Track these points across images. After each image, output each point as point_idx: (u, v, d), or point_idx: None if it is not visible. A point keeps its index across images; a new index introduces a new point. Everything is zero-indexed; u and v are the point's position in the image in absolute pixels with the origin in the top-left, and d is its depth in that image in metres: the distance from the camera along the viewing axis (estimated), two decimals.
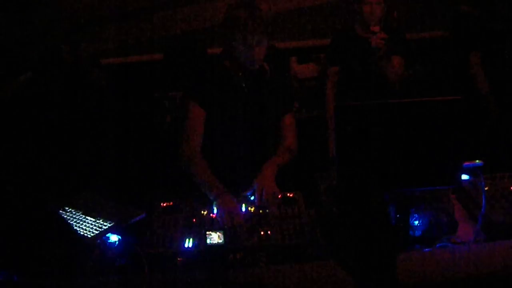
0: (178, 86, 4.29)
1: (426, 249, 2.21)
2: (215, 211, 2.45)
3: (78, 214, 2.58)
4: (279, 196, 2.55)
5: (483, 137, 3.67)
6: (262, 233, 2.27)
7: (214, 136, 2.86)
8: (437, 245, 2.24)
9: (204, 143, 2.84)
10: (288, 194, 2.59)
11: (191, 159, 2.78)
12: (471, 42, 3.98)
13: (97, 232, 2.41)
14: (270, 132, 2.92)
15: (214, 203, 2.51)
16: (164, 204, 2.56)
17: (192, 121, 2.83)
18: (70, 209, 2.63)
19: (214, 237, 1.96)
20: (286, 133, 2.93)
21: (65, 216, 2.57)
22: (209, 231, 1.98)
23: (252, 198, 2.59)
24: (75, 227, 2.47)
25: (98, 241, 2.35)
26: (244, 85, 2.81)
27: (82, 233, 2.42)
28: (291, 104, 2.98)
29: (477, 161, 2.35)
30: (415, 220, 2.32)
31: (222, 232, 1.96)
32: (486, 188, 2.40)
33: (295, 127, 2.98)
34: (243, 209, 2.47)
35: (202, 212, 2.46)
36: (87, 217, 2.54)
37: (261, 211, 2.44)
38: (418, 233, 2.30)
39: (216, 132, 2.86)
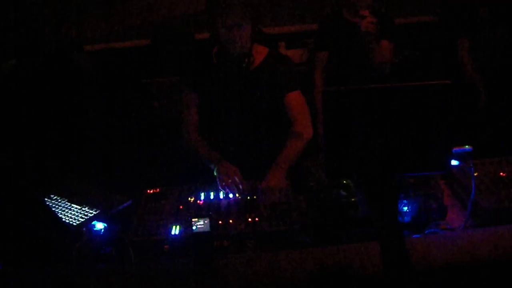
0: (167, 72, 4.27)
1: (415, 235, 2.20)
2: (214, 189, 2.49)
3: (64, 201, 2.56)
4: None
5: (473, 123, 3.66)
6: (249, 219, 2.25)
7: (211, 122, 2.91)
8: (426, 231, 2.23)
9: (203, 128, 2.92)
10: None
11: (190, 139, 2.88)
12: (459, 27, 3.96)
13: (82, 219, 2.39)
14: (268, 116, 2.88)
15: (215, 170, 2.60)
16: (151, 191, 2.53)
17: (186, 105, 2.92)
18: (55, 197, 2.60)
19: (200, 224, 1.93)
20: (294, 116, 2.86)
21: (51, 204, 2.55)
22: (195, 218, 1.95)
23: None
24: (60, 215, 2.45)
25: (84, 229, 2.32)
26: (224, 74, 2.79)
27: (67, 221, 2.40)
28: (294, 83, 2.89)
29: (466, 146, 2.33)
30: (404, 206, 2.30)
31: (208, 219, 1.93)
32: (475, 174, 2.39)
33: (305, 106, 2.90)
34: (231, 196, 2.45)
35: (189, 199, 2.44)
36: (72, 204, 2.52)
37: (249, 198, 2.42)
38: (407, 219, 2.29)
39: (212, 118, 2.90)
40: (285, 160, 2.69)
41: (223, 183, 2.50)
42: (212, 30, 2.76)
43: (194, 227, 1.93)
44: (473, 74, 3.86)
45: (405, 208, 2.30)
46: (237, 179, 2.50)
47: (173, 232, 2.19)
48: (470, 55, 3.88)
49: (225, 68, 2.79)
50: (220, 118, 2.87)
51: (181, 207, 2.38)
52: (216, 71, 2.81)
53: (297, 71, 2.98)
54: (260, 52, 2.85)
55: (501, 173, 2.45)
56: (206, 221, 1.92)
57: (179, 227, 2.21)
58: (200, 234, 1.92)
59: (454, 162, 2.42)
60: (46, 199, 2.58)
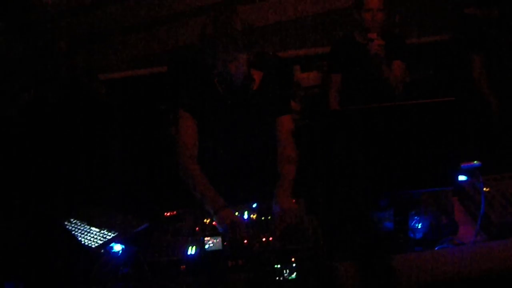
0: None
1: (427, 251, 2.22)
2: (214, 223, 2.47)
3: (83, 225, 2.62)
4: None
5: (485, 138, 3.67)
6: (264, 239, 2.29)
7: (208, 147, 2.87)
8: (438, 247, 2.24)
9: (200, 153, 2.83)
10: None
11: (187, 170, 2.76)
12: (474, 44, 3.99)
13: (101, 242, 2.45)
14: (264, 141, 2.90)
15: (214, 217, 2.49)
16: (168, 214, 2.59)
17: (185, 131, 2.84)
18: (75, 221, 2.67)
19: (212, 243, 1.97)
20: (284, 138, 2.87)
21: (70, 227, 2.61)
22: (207, 237, 1.99)
23: (254, 205, 2.60)
24: (80, 238, 2.51)
25: (102, 250, 2.38)
26: (229, 100, 2.82)
27: (86, 243, 2.46)
28: (285, 107, 2.93)
29: (475, 161, 2.34)
30: (416, 223, 2.33)
31: (219, 237, 1.98)
32: (487, 189, 2.41)
33: (292, 131, 2.90)
34: (245, 216, 2.50)
35: (205, 220, 2.49)
36: (91, 228, 2.58)
37: (263, 218, 2.46)
38: (419, 235, 2.31)
39: (210, 143, 2.87)
40: (288, 184, 2.71)
41: (226, 235, 2.34)
42: (209, 61, 2.74)
43: (206, 246, 1.97)
44: (486, 91, 3.88)
45: (417, 225, 2.33)
46: (239, 229, 2.36)
47: (189, 253, 2.23)
48: (483, 71, 3.91)
49: (228, 94, 2.81)
50: (221, 142, 2.88)
51: (197, 228, 2.43)
52: (220, 98, 2.82)
53: (289, 95, 3.01)
54: (256, 76, 2.88)
55: None
56: (218, 240, 1.97)
57: (195, 247, 2.25)
58: (212, 252, 1.96)
59: (462, 178, 2.44)
60: (66, 223, 2.65)
